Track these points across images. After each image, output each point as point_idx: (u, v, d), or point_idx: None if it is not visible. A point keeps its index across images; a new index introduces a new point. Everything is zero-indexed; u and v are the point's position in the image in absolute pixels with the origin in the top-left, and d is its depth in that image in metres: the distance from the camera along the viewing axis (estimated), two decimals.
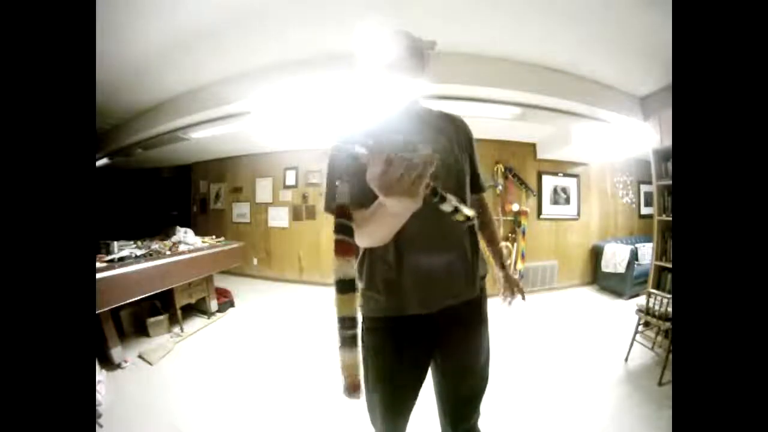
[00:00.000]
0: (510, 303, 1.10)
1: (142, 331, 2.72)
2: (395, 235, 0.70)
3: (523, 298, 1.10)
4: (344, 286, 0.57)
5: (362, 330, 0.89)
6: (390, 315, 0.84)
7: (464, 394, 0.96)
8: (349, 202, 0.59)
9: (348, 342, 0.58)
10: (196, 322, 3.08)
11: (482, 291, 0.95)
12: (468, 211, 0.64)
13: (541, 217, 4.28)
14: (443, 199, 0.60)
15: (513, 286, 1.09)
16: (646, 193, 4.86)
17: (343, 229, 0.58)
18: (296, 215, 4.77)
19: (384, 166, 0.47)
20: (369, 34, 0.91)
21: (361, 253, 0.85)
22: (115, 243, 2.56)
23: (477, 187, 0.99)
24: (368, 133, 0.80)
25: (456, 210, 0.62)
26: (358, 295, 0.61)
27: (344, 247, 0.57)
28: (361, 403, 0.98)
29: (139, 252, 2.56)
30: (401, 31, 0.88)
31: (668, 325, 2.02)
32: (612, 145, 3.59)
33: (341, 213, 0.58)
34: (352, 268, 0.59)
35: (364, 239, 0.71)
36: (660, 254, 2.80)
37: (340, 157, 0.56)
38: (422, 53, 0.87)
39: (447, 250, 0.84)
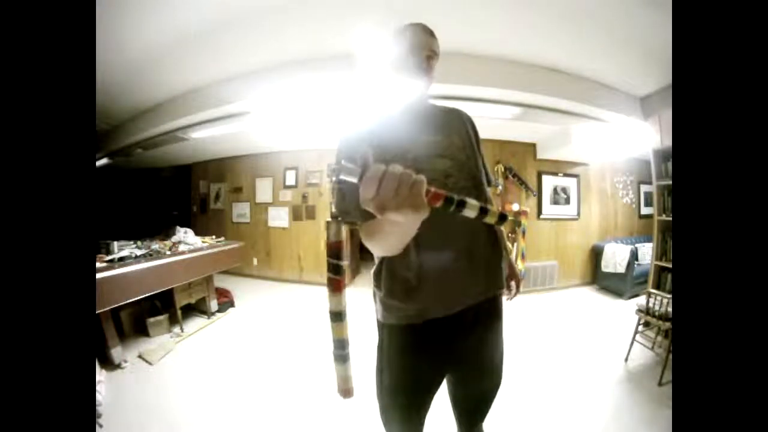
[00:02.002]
0: (510, 298, 1.08)
1: (142, 331, 2.72)
2: (413, 239, 0.67)
3: (510, 298, 1.09)
4: (337, 317, 0.60)
5: (382, 337, 0.88)
6: (413, 322, 0.81)
7: (483, 392, 0.96)
8: (342, 238, 0.57)
9: (341, 359, 0.62)
10: (196, 322, 3.08)
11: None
12: (495, 209, 0.58)
13: (541, 217, 4.28)
14: (462, 205, 0.54)
15: (512, 280, 1.07)
16: (646, 193, 4.86)
17: (335, 269, 0.57)
18: (296, 215, 4.77)
19: (376, 184, 0.44)
20: (373, 33, 0.91)
21: (377, 261, 0.84)
22: (115, 243, 2.56)
23: (486, 182, 0.98)
24: (374, 132, 0.80)
25: (483, 212, 0.56)
26: (347, 322, 0.61)
27: (335, 284, 0.58)
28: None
29: (139, 252, 2.56)
30: (408, 24, 0.86)
31: (668, 325, 2.02)
32: (612, 145, 3.60)
33: (332, 252, 0.57)
34: (342, 301, 0.59)
35: (375, 250, 0.71)
36: (660, 254, 2.80)
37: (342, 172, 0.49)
38: (430, 45, 0.85)
39: (467, 249, 0.81)
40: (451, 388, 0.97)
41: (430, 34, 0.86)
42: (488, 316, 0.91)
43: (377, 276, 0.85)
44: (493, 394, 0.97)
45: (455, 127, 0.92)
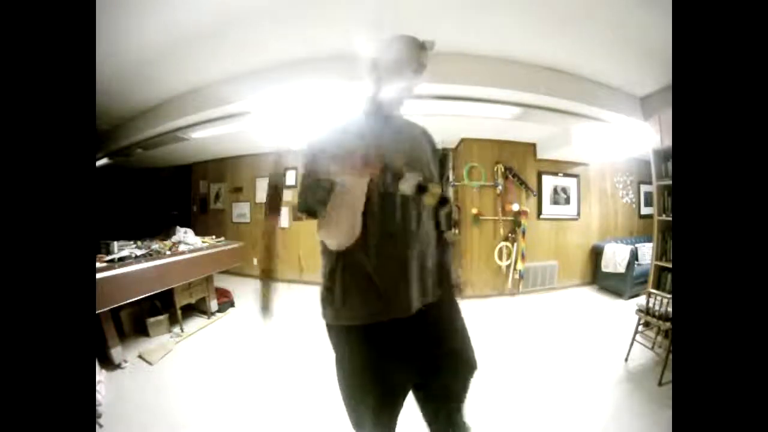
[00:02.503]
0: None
1: (142, 331, 2.72)
2: (368, 240, 0.76)
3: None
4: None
5: (341, 341, 0.86)
6: (375, 321, 0.80)
7: (460, 381, 0.97)
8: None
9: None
10: (196, 322, 3.08)
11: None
12: (437, 189, 0.60)
13: (541, 217, 4.28)
14: (398, 177, 0.58)
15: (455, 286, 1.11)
16: (646, 193, 4.85)
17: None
18: (296, 215, 4.77)
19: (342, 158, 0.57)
20: (373, 33, 0.93)
21: (330, 263, 0.84)
22: (115, 243, 2.56)
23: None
24: (340, 142, 0.81)
25: (421, 189, 0.58)
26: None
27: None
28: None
29: (139, 252, 2.56)
30: (400, 36, 0.88)
31: (668, 325, 2.02)
32: (612, 145, 3.59)
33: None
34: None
35: (331, 234, 0.76)
36: (660, 254, 2.80)
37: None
38: (418, 58, 0.87)
39: (420, 249, 0.83)
40: (426, 385, 0.94)
41: (421, 46, 0.87)
42: (447, 310, 0.94)
43: (331, 275, 0.83)
44: (469, 381, 0.97)
45: (423, 142, 0.97)
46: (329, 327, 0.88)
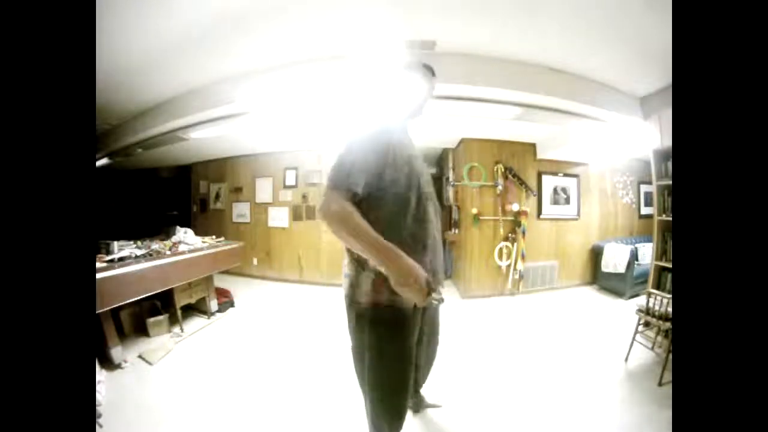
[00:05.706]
0: None
1: (142, 331, 2.72)
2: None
3: None
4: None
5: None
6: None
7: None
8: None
9: None
10: (196, 322, 3.08)
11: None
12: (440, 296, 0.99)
13: (541, 217, 4.28)
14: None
15: None
16: (646, 193, 4.85)
17: None
18: (296, 215, 4.77)
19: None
20: (374, 33, 1.02)
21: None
22: (115, 243, 2.55)
23: None
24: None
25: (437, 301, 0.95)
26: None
27: None
28: (360, 402, 0.98)
29: (139, 252, 2.56)
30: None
31: (668, 325, 2.02)
32: (612, 145, 3.59)
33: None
34: None
35: (342, 231, 0.88)
36: (660, 254, 2.80)
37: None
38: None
39: None
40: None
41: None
42: None
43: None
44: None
45: None
46: (384, 308, 0.99)
